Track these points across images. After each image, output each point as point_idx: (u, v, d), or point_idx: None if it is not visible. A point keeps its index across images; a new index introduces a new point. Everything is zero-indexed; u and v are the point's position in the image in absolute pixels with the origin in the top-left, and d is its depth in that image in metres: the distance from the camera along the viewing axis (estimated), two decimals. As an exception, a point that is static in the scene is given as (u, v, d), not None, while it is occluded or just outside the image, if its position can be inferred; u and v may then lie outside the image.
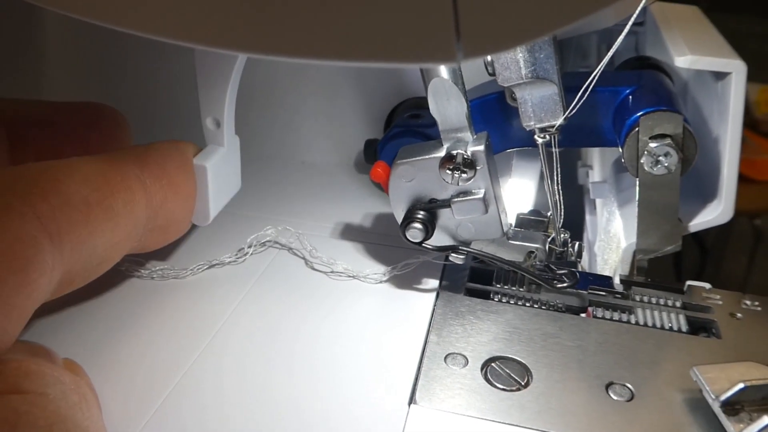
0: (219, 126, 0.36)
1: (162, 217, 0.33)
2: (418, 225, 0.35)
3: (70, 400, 0.24)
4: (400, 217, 0.36)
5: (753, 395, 0.28)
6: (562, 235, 0.40)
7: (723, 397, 0.28)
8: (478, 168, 0.34)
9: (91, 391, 0.26)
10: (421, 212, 0.35)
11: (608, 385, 0.31)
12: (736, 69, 0.35)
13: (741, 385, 0.28)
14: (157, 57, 0.51)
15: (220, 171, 0.36)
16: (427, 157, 0.34)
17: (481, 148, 0.33)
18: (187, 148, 0.35)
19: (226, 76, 0.34)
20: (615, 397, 0.31)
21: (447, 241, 0.36)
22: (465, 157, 0.33)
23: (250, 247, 0.40)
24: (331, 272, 0.39)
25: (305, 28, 0.20)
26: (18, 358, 0.24)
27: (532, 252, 0.36)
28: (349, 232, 0.43)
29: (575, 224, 0.57)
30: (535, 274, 0.36)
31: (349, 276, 0.38)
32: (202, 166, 0.35)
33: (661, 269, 0.41)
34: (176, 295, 0.37)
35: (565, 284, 0.35)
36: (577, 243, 0.41)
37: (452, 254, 0.36)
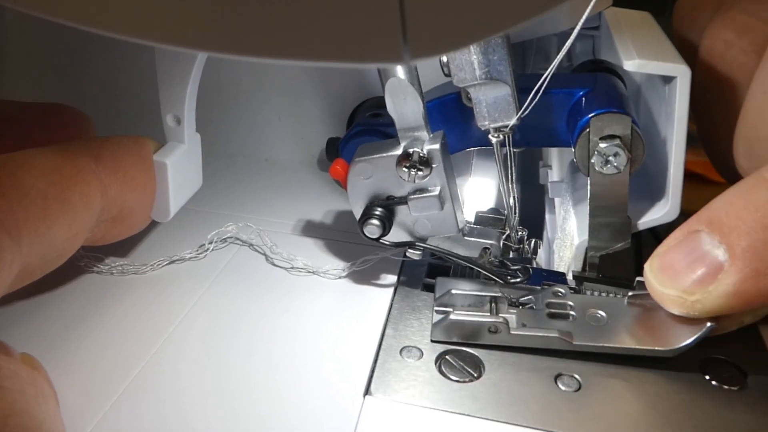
0: (179, 123, 0.36)
1: (116, 208, 0.33)
2: (375, 221, 0.36)
3: (26, 393, 0.24)
4: (358, 214, 0.37)
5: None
6: (519, 233, 0.41)
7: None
8: (433, 166, 0.34)
9: (48, 385, 0.27)
10: (379, 209, 0.36)
11: (557, 376, 0.32)
12: (681, 73, 0.36)
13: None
14: (117, 54, 0.51)
15: (180, 168, 0.37)
16: (384, 155, 0.35)
17: (437, 146, 0.34)
18: (146, 142, 0.35)
19: (187, 74, 0.35)
20: (563, 388, 0.32)
21: (404, 238, 0.37)
22: (421, 155, 0.34)
23: (210, 243, 0.40)
24: (291, 268, 0.39)
25: (256, 28, 0.20)
26: None
27: (487, 248, 0.37)
28: (311, 229, 0.44)
29: (536, 222, 0.59)
30: (489, 270, 0.36)
31: (309, 272, 0.39)
32: (163, 162, 0.35)
33: (623, 268, 0.42)
34: (135, 291, 0.37)
35: (518, 279, 0.36)
36: (534, 240, 0.43)
37: (409, 250, 0.37)
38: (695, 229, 0.32)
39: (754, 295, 0.30)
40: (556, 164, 0.55)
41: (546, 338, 0.33)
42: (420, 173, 0.34)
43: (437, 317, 0.34)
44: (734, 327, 0.33)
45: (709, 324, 0.32)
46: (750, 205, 0.30)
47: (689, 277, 0.31)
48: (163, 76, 0.35)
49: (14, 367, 0.24)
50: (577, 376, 0.32)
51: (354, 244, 0.41)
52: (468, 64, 0.34)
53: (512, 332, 0.33)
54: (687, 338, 0.32)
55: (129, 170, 0.33)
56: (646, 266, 0.33)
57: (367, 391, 0.31)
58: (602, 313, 0.35)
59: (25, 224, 0.27)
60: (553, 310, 0.35)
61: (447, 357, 0.33)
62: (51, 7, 0.25)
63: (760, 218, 0.30)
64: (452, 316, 0.34)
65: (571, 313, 0.35)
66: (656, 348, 0.33)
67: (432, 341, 0.34)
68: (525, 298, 0.36)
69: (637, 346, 0.33)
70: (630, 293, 0.36)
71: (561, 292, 0.36)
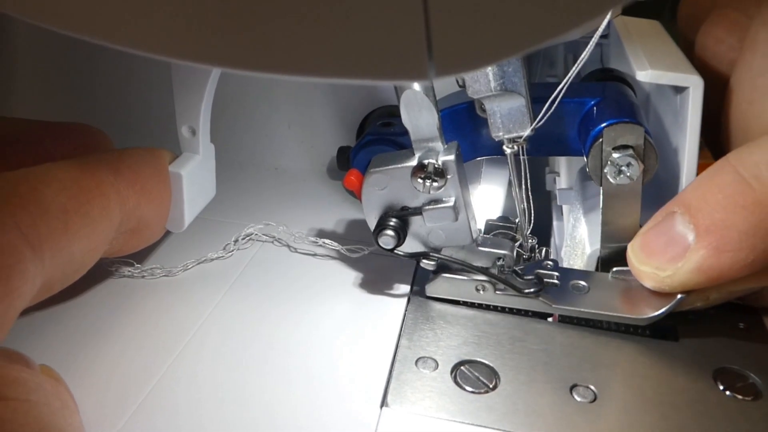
0: (194, 134, 0.36)
1: (134, 221, 0.33)
2: (390, 232, 0.36)
3: (52, 406, 0.24)
4: (372, 225, 0.37)
5: None
6: (529, 241, 0.41)
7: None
8: (448, 177, 0.35)
9: (70, 397, 0.27)
10: (394, 219, 0.36)
11: (572, 387, 0.32)
12: (694, 84, 0.36)
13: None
14: (129, 65, 0.51)
15: (195, 178, 0.37)
16: (399, 166, 0.35)
17: (452, 157, 0.34)
18: (162, 154, 0.36)
19: (202, 86, 0.35)
20: (579, 399, 0.32)
21: (418, 248, 0.37)
22: (436, 166, 0.34)
23: (236, 241, 0.42)
24: (315, 255, 0.41)
25: (280, 45, 0.20)
26: None
27: (501, 258, 0.37)
28: (322, 238, 0.44)
29: (543, 229, 0.59)
30: (503, 280, 0.37)
31: (333, 249, 0.41)
32: (178, 173, 0.36)
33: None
34: (149, 300, 0.37)
35: (531, 290, 0.36)
36: (544, 249, 0.43)
37: (423, 260, 0.37)
38: (671, 210, 0.34)
39: (717, 270, 0.33)
40: (564, 172, 0.55)
41: (528, 300, 0.36)
42: (435, 184, 0.34)
43: (432, 277, 0.38)
44: (700, 302, 0.36)
45: (679, 296, 0.35)
46: (714, 187, 0.33)
47: (663, 256, 0.34)
48: (179, 88, 0.35)
49: (38, 379, 0.24)
50: (592, 387, 0.32)
51: (366, 252, 0.41)
52: (483, 76, 0.34)
53: (497, 293, 0.37)
54: (659, 309, 0.35)
55: (146, 182, 0.33)
56: (629, 245, 0.36)
57: (383, 403, 0.31)
58: (584, 283, 0.37)
59: (47, 238, 0.27)
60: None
61: (462, 368, 0.33)
62: (68, 22, 0.25)
63: (721, 200, 0.32)
64: (444, 274, 0.37)
65: (556, 282, 0.37)
66: (630, 316, 0.35)
67: (427, 297, 0.38)
68: (516, 267, 0.38)
69: (612, 313, 0.35)
70: (615, 269, 0.38)
71: (549, 264, 0.38)
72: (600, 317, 0.36)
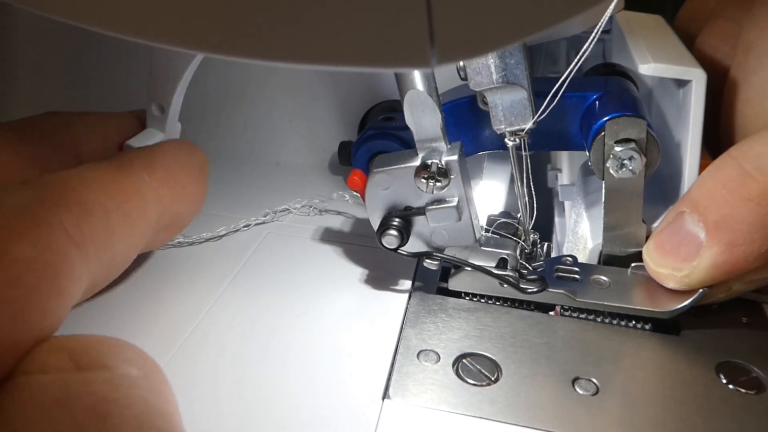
0: (163, 112, 0.36)
1: (168, 217, 0.34)
2: (393, 232, 0.36)
3: (152, 382, 0.22)
4: (376, 224, 0.37)
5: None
6: (531, 236, 0.41)
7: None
8: (452, 177, 0.35)
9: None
10: (397, 219, 0.36)
11: (574, 380, 0.32)
12: (697, 77, 0.36)
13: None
14: (129, 57, 0.51)
15: None
16: (402, 166, 0.35)
17: (455, 157, 0.34)
18: (194, 149, 0.36)
19: (183, 68, 0.35)
20: (581, 392, 0.32)
21: (421, 248, 0.37)
22: (439, 166, 0.34)
23: (275, 213, 0.45)
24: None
25: (279, 32, 0.20)
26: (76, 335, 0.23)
27: (504, 258, 0.37)
28: (323, 233, 0.44)
29: (545, 226, 0.59)
30: (506, 281, 0.36)
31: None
32: (133, 147, 0.36)
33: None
34: (153, 290, 0.37)
35: (534, 291, 0.36)
36: (546, 244, 0.43)
37: (426, 260, 0.37)
38: (681, 210, 0.35)
39: (732, 264, 0.33)
40: (566, 167, 0.55)
41: (552, 294, 0.36)
42: (438, 184, 0.34)
43: (455, 270, 0.37)
44: (723, 294, 0.36)
45: (701, 290, 0.35)
46: (718, 183, 0.33)
47: (677, 256, 0.34)
48: (158, 65, 0.35)
49: (136, 349, 0.24)
50: (594, 380, 0.32)
51: (368, 247, 0.41)
52: (485, 68, 0.34)
53: (521, 286, 0.36)
54: (682, 302, 0.35)
55: (178, 178, 0.34)
56: (644, 248, 0.37)
57: (385, 395, 0.31)
58: (605, 278, 0.37)
59: (91, 238, 0.27)
60: (560, 274, 0.38)
61: (464, 361, 0.33)
62: (61, 9, 0.24)
63: (726, 195, 0.33)
64: (468, 268, 0.36)
65: (577, 276, 0.38)
66: (653, 309, 0.35)
67: (450, 290, 0.37)
68: (536, 263, 0.39)
69: (636, 307, 0.35)
70: (633, 264, 0.38)
71: (569, 260, 0.39)
72: (624, 311, 0.36)
